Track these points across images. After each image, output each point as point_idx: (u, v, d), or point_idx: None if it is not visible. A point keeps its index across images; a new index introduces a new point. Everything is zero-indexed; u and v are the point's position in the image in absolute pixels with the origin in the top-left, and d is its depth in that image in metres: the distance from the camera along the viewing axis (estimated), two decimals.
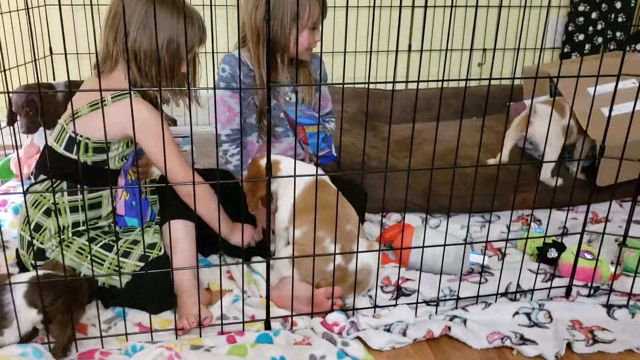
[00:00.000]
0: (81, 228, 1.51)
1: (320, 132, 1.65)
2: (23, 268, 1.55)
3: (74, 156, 1.45)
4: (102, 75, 1.47)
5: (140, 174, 1.70)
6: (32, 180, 1.55)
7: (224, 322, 1.42)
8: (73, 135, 1.45)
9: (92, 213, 1.53)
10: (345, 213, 1.57)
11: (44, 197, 1.49)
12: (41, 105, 2.02)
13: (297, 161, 1.51)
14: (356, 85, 2.71)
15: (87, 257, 1.48)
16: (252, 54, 1.72)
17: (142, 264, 1.47)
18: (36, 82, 1.26)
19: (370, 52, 1.23)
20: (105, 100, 1.42)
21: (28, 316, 1.27)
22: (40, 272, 1.28)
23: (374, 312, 1.50)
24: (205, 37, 1.55)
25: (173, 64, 1.48)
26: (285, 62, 1.72)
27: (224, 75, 1.73)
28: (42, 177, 1.52)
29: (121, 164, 1.54)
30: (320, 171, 1.68)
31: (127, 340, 1.36)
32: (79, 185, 1.47)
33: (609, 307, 1.53)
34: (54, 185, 1.47)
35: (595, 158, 1.57)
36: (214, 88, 1.18)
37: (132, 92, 1.41)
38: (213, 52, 1.04)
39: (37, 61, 2.30)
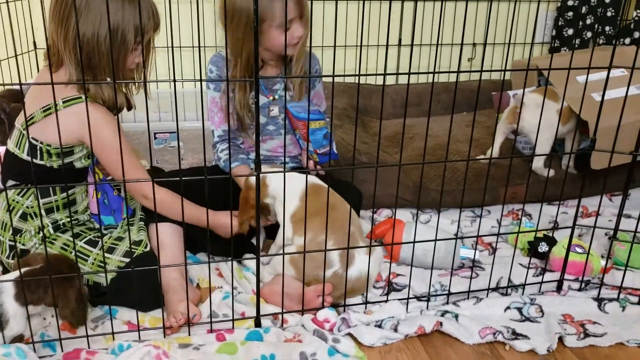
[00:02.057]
0: (62, 222, 1.48)
1: (323, 128, 1.61)
2: (6, 270, 1.52)
3: (38, 161, 1.41)
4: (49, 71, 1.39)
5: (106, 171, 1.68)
6: (1, 186, 1.49)
7: (213, 319, 1.40)
8: (33, 142, 1.40)
9: (68, 211, 1.50)
10: (349, 215, 1.52)
11: (17, 202, 1.45)
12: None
13: (283, 171, 1.47)
14: (346, 79, 2.69)
15: (71, 253, 1.45)
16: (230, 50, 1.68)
17: (127, 260, 1.45)
18: (17, 81, 1.21)
19: (360, 46, 1.21)
20: (57, 105, 1.34)
21: (23, 315, 1.24)
22: (24, 270, 1.25)
23: (365, 308, 1.49)
24: (159, 23, 1.42)
25: (118, 56, 1.36)
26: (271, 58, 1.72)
27: (211, 76, 1.78)
28: (10, 182, 1.47)
29: (89, 162, 1.49)
30: (312, 173, 1.65)
31: (113, 339, 1.34)
32: (50, 188, 1.43)
33: (599, 300, 1.53)
34: (26, 190, 1.43)
35: (589, 149, 1.56)
36: (201, 80, 1.16)
37: (84, 97, 1.34)
38: (200, 47, 1.02)
39: (18, 56, 2.26)
